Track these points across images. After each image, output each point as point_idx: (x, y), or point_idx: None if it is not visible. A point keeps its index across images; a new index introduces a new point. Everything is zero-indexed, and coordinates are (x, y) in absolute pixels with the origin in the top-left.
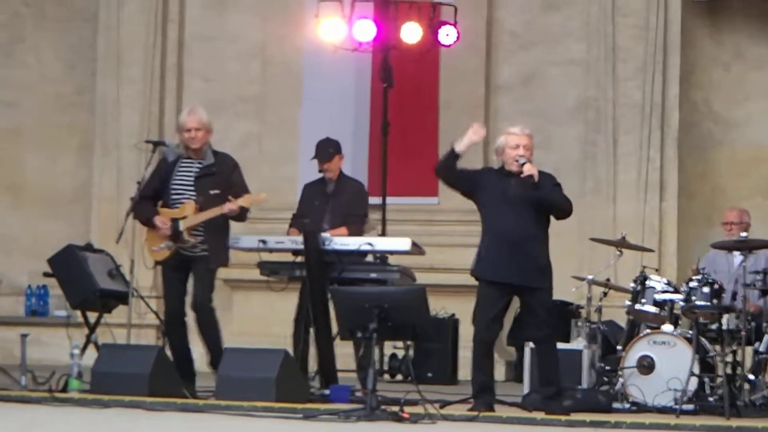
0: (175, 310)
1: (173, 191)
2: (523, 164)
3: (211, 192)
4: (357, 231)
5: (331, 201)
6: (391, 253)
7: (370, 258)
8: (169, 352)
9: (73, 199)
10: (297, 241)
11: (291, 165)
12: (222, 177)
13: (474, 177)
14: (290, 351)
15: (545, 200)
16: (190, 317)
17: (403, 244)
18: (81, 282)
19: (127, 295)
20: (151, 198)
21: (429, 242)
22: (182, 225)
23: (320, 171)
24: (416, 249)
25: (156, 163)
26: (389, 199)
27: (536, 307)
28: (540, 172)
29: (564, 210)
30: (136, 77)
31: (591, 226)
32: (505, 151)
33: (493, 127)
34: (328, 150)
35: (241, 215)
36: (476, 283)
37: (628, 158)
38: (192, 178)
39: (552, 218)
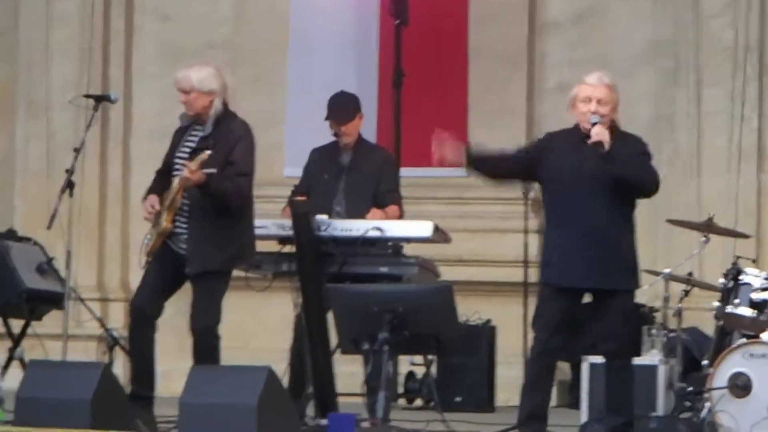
0: (141, 307)
1: (174, 165)
2: (593, 124)
3: (206, 171)
4: (401, 213)
5: (346, 175)
6: (408, 240)
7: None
8: (118, 369)
9: None
10: (285, 225)
11: (275, 129)
12: (220, 152)
13: (532, 156)
14: (276, 368)
15: (621, 178)
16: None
17: (423, 228)
18: (1, 280)
19: (62, 298)
20: (165, 175)
21: (456, 226)
22: (163, 206)
23: (335, 135)
24: (440, 235)
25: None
26: (404, 171)
27: (614, 314)
28: (623, 135)
29: (647, 190)
30: (70, 15)
31: (668, 206)
32: (576, 106)
33: (539, 78)
34: (346, 107)
35: (219, 192)
36: (518, 279)
37: (716, 118)
38: (189, 152)
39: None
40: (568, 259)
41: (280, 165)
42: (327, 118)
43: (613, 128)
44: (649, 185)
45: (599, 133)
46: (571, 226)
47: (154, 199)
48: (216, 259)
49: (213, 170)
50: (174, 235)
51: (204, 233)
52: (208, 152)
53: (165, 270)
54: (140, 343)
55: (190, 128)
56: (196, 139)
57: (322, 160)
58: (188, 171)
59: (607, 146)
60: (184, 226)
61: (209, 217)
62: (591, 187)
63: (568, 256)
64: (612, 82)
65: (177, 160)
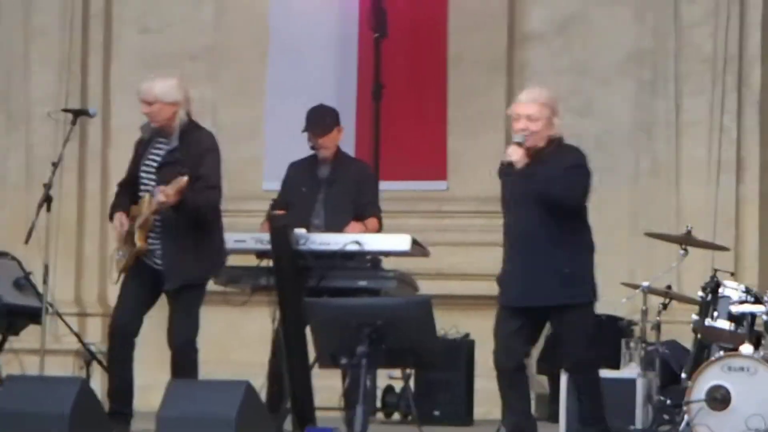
0: (123, 327)
1: (141, 180)
2: (515, 143)
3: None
4: (380, 226)
5: (325, 188)
6: (387, 254)
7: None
8: (96, 384)
9: None
10: (263, 239)
11: (254, 141)
12: (187, 166)
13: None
14: (254, 382)
15: (540, 195)
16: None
17: (402, 242)
18: None
19: (39, 312)
20: (128, 190)
21: (436, 240)
22: (134, 225)
23: (312, 148)
24: (418, 249)
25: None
26: (383, 184)
27: (566, 329)
28: (562, 149)
29: (567, 206)
30: (49, 27)
31: (647, 218)
32: (514, 126)
33: (520, 87)
34: (324, 119)
35: (194, 207)
36: (497, 293)
37: (696, 128)
38: (156, 166)
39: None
40: (511, 280)
41: (259, 178)
42: (304, 130)
43: (551, 142)
44: (569, 200)
45: (510, 153)
46: (513, 247)
47: (123, 217)
48: (193, 272)
49: (184, 179)
50: (148, 251)
51: (179, 248)
52: (186, 179)
53: (142, 286)
54: (120, 361)
55: (152, 140)
56: (161, 152)
57: (300, 173)
58: (164, 195)
59: (520, 164)
60: (158, 242)
61: (182, 232)
62: (526, 206)
63: (511, 276)
64: (546, 98)
65: (143, 174)
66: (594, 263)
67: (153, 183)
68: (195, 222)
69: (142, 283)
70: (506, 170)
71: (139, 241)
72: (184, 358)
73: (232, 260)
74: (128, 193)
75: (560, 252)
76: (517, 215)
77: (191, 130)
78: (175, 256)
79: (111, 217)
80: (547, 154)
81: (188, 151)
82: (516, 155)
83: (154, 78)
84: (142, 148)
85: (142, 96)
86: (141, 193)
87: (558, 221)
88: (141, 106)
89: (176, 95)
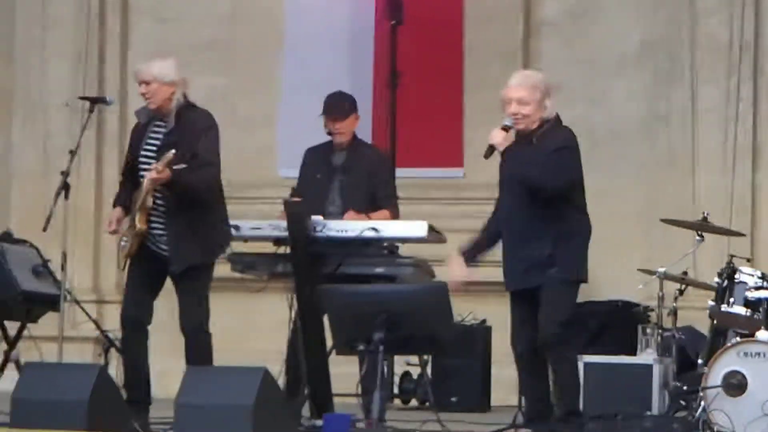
0: (133, 316)
1: (141, 165)
2: (503, 128)
3: (175, 167)
4: (396, 217)
5: (339, 175)
6: (403, 241)
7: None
8: (114, 372)
9: None
10: (280, 226)
11: (268, 129)
12: (186, 147)
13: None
14: (272, 369)
15: (521, 178)
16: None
17: (419, 229)
18: None
19: (57, 300)
20: (129, 177)
21: (452, 227)
22: (135, 207)
23: (329, 134)
24: (435, 235)
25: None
26: (400, 172)
27: (540, 309)
28: (554, 131)
29: (539, 190)
30: (66, 18)
31: (663, 206)
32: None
33: None
34: (342, 105)
35: (187, 185)
36: None
37: (711, 117)
38: (155, 149)
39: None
40: (505, 264)
41: (274, 165)
42: (322, 114)
43: (543, 124)
44: (549, 183)
45: (492, 136)
46: (505, 231)
47: (117, 212)
48: (198, 253)
49: (182, 166)
50: (152, 236)
51: (183, 230)
52: (173, 152)
53: (148, 273)
54: (135, 351)
55: (150, 125)
56: (159, 135)
57: (315, 159)
58: (155, 171)
59: (501, 147)
60: (162, 226)
61: (185, 213)
62: (512, 189)
63: (505, 261)
64: (536, 81)
65: (143, 159)
66: (584, 248)
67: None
68: (195, 202)
69: (148, 270)
70: (489, 153)
71: (139, 223)
72: (196, 342)
73: (249, 247)
74: (130, 180)
75: (543, 236)
76: (504, 198)
77: (187, 110)
78: (179, 238)
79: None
80: (538, 136)
81: (185, 131)
82: (497, 138)
83: (151, 58)
84: (138, 133)
85: (140, 76)
86: (141, 177)
87: (542, 205)
88: (138, 87)
89: (174, 75)
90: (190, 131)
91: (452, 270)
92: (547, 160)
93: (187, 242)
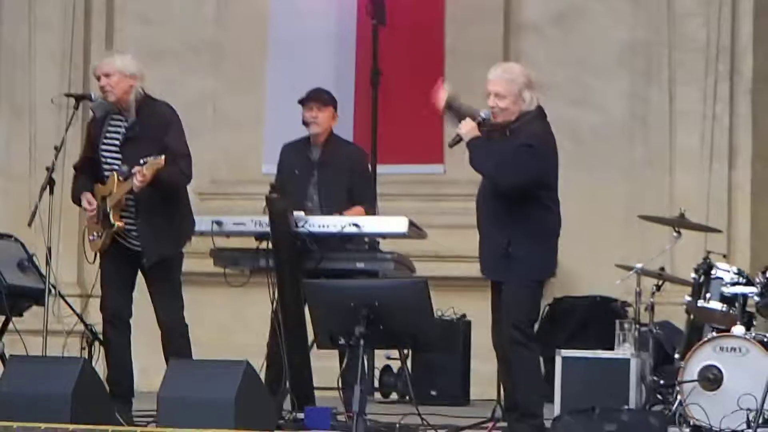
0: (114, 310)
1: (103, 160)
2: (478, 120)
3: (142, 161)
4: (373, 213)
5: (317, 171)
6: (384, 236)
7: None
8: (98, 366)
9: None
10: (262, 222)
11: (255, 129)
12: (153, 138)
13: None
14: (254, 363)
15: (478, 171)
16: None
17: (399, 224)
18: None
19: (42, 294)
20: (86, 170)
21: (433, 223)
22: (108, 204)
23: (305, 122)
24: (416, 231)
25: (88, 122)
26: (381, 168)
27: (502, 306)
28: (524, 127)
29: (495, 184)
30: (53, 20)
31: (641, 203)
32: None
33: None
34: (322, 95)
35: (166, 183)
36: None
37: (689, 116)
38: (118, 143)
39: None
40: (480, 253)
41: (258, 164)
42: (301, 101)
43: (521, 117)
44: (502, 179)
45: (460, 126)
46: (478, 216)
47: (90, 197)
48: (170, 244)
49: (161, 159)
50: (124, 231)
51: (154, 224)
52: (163, 158)
53: (122, 269)
54: (117, 345)
55: (107, 119)
56: (120, 128)
57: (292, 155)
58: (142, 176)
59: (467, 138)
60: (131, 221)
61: (155, 208)
62: (483, 182)
63: (479, 250)
64: (514, 74)
65: (105, 153)
66: (547, 246)
67: (118, 160)
68: (167, 196)
69: (121, 265)
70: (454, 142)
71: (116, 221)
72: (174, 334)
73: (232, 242)
74: (88, 174)
75: (503, 231)
76: (480, 188)
77: (148, 103)
78: (150, 232)
79: (75, 200)
80: (512, 129)
81: (149, 123)
82: (465, 128)
83: (110, 53)
84: (96, 128)
85: (101, 69)
86: (106, 173)
87: (505, 200)
88: (98, 82)
89: (134, 68)
90: (154, 124)
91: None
92: (508, 157)
93: (159, 235)
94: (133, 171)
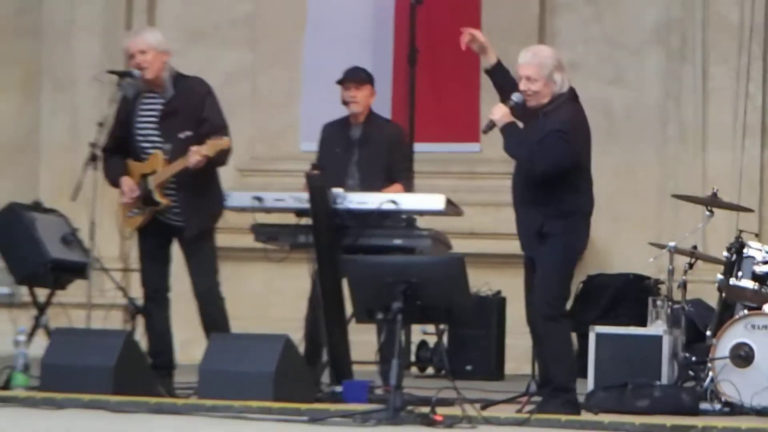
0: (155, 285)
1: (138, 138)
2: (511, 103)
3: (180, 135)
4: (410, 190)
5: (357, 150)
6: (421, 213)
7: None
8: (140, 338)
9: (16, 147)
10: (302, 198)
11: (292, 106)
12: (190, 113)
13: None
14: (293, 337)
15: (512, 155)
16: (175, 295)
17: (436, 202)
18: (27, 250)
19: (85, 267)
20: (118, 151)
21: (469, 200)
22: (151, 182)
23: (344, 102)
24: (452, 208)
25: (117, 103)
26: (418, 146)
27: (534, 283)
28: (557, 110)
29: (535, 170)
30: None
31: (675, 182)
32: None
33: None
34: (358, 73)
35: (218, 160)
36: None
37: (722, 95)
38: (156, 120)
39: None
40: (518, 231)
41: (296, 140)
42: (339, 81)
43: (554, 100)
44: (535, 165)
45: (493, 112)
46: (513, 196)
47: (130, 182)
48: (208, 218)
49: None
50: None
51: (194, 199)
52: (227, 140)
53: (160, 244)
54: (158, 318)
55: (139, 97)
56: (157, 105)
57: (333, 134)
58: (200, 156)
59: (500, 123)
60: (173, 197)
61: (194, 183)
62: (517, 164)
63: (517, 228)
64: (544, 57)
65: (142, 131)
66: (578, 226)
67: (157, 137)
68: (205, 171)
69: (159, 241)
70: (488, 128)
71: (163, 200)
72: (210, 304)
73: (272, 218)
74: (119, 153)
75: (538, 211)
76: (515, 171)
77: (182, 79)
78: (191, 206)
79: (111, 182)
80: (545, 112)
81: (186, 98)
82: (497, 114)
83: (141, 29)
84: (128, 107)
85: (136, 45)
86: (147, 150)
87: (538, 182)
88: (131, 59)
89: (167, 45)
90: (190, 99)
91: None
92: (539, 142)
93: (199, 209)
94: (191, 151)
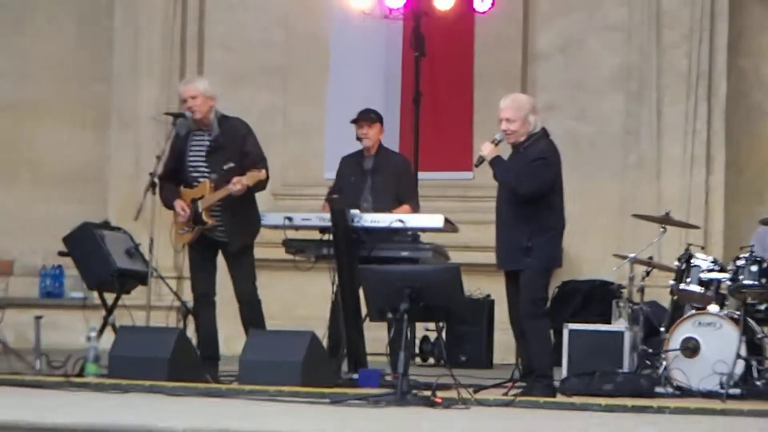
0: (203, 290)
1: (189, 169)
2: (493, 141)
3: (225, 167)
4: (417, 211)
5: (370, 177)
6: (424, 230)
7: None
8: (191, 334)
9: (89, 176)
10: (324, 217)
11: (317, 139)
12: (233, 148)
13: None
14: (317, 333)
15: (501, 182)
16: (220, 298)
17: (436, 220)
18: (98, 262)
19: (146, 275)
20: (170, 179)
21: (463, 219)
22: (200, 206)
23: (358, 138)
24: (449, 226)
25: (171, 139)
26: (421, 174)
27: (520, 288)
28: (533, 145)
29: (516, 192)
30: (154, 47)
31: (634, 203)
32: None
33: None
34: (371, 114)
35: (256, 187)
36: None
37: (673, 131)
38: (204, 154)
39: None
40: (496, 248)
41: (320, 169)
42: (354, 121)
43: (530, 137)
44: (521, 188)
45: (482, 148)
46: (497, 220)
47: (183, 205)
48: (248, 235)
49: (231, 164)
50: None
51: (236, 219)
52: (264, 172)
53: (207, 257)
54: (207, 320)
55: (190, 135)
56: (205, 142)
57: (349, 165)
58: (241, 185)
59: (489, 157)
60: (218, 217)
61: (236, 206)
62: (502, 189)
63: (496, 244)
64: (520, 102)
65: (191, 163)
66: (556, 241)
67: (205, 168)
68: (246, 196)
69: (206, 254)
70: (478, 162)
71: (209, 220)
72: (250, 308)
73: (300, 234)
74: (172, 181)
75: (522, 228)
76: (498, 196)
77: (225, 120)
78: (234, 226)
79: (166, 205)
80: (524, 147)
81: (229, 135)
82: (486, 150)
83: (191, 77)
84: (180, 143)
85: (188, 92)
86: (200, 179)
87: (522, 203)
88: (184, 103)
89: (213, 91)
90: (233, 136)
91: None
92: (524, 169)
93: (240, 227)
94: (233, 181)
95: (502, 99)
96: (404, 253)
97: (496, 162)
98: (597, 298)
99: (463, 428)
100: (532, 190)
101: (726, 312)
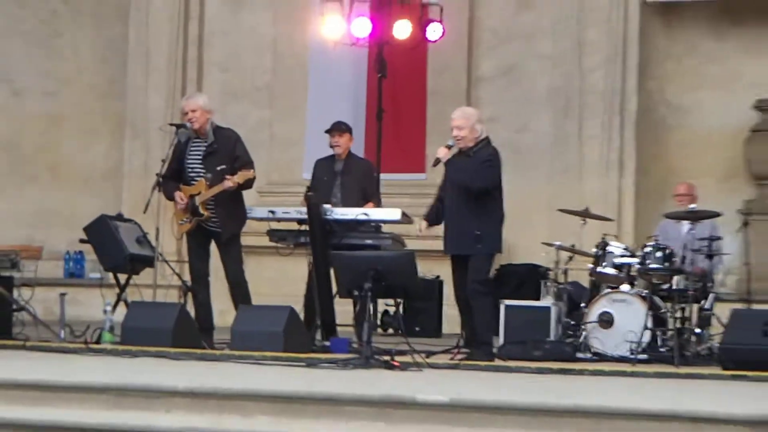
0: (200, 272)
1: (188, 170)
2: (447, 146)
3: (218, 168)
4: (379, 206)
5: (340, 177)
6: (384, 222)
7: (365, 226)
8: (190, 309)
9: (106, 177)
10: (302, 211)
11: (298, 147)
12: (225, 152)
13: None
14: (295, 308)
15: (455, 181)
16: (214, 278)
17: (395, 214)
18: (113, 248)
19: (153, 259)
20: (172, 178)
21: (418, 213)
22: (197, 200)
23: (331, 146)
24: (406, 218)
25: (174, 145)
26: (383, 175)
27: (469, 270)
28: (481, 148)
29: (468, 189)
30: (162, 68)
31: (561, 200)
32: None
33: None
34: (341, 125)
35: (245, 185)
36: None
37: (593, 140)
38: (200, 157)
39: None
40: (445, 236)
41: (300, 171)
42: (328, 131)
43: (478, 143)
44: (474, 184)
45: (438, 152)
46: (447, 214)
47: (182, 195)
48: (237, 226)
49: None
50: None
51: (227, 212)
52: (252, 171)
53: (202, 244)
54: (202, 294)
55: (189, 142)
56: (201, 148)
57: (322, 167)
58: (232, 182)
59: (444, 160)
60: (212, 210)
61: (227, 200)
62: (453, 187)
63: (445, 233)
64: (469, 113)
65: (190, 165)
66: (499, 229)
67: (201, 169)
68: (235, 192)
69: (202, 241)
70: (436, 163)
71: (205, 212)
72: (238, 287)
73: (281, 225)
74: (173, 179)
75: (473, 219)
76: (447, 192)
77: (219, 129)
78: (226, 217)
79: (168, 197)
80: (473, 151)
81: (223, 143)
82: (441, 153)
83: (192, 94)
84: (181, 148)
85: (189, 106)
86: (196, 178)
87: (473, 198)
88: (185, 115)
89: (211, 105)
90: (225, 143)
91: (422, 227)
92: (476, 169)
93: (230, 219)
94: (226, 178)
95: (454, 111)
96: (368, 241)
97: (450, 163)
98: (529, 279)
99: (417, 387)
100: (483, 186)
101: (635, 291)
